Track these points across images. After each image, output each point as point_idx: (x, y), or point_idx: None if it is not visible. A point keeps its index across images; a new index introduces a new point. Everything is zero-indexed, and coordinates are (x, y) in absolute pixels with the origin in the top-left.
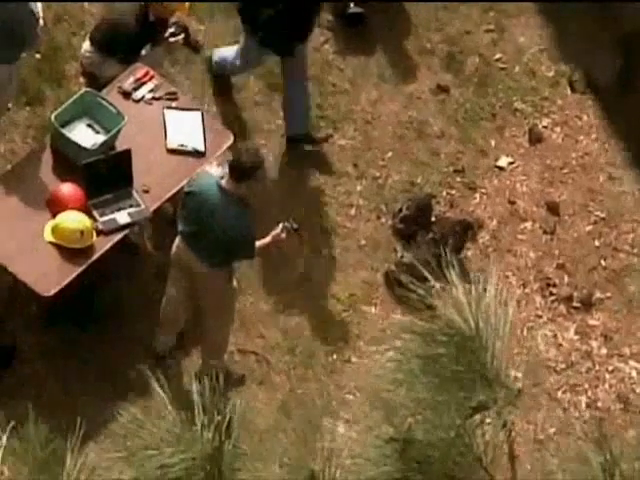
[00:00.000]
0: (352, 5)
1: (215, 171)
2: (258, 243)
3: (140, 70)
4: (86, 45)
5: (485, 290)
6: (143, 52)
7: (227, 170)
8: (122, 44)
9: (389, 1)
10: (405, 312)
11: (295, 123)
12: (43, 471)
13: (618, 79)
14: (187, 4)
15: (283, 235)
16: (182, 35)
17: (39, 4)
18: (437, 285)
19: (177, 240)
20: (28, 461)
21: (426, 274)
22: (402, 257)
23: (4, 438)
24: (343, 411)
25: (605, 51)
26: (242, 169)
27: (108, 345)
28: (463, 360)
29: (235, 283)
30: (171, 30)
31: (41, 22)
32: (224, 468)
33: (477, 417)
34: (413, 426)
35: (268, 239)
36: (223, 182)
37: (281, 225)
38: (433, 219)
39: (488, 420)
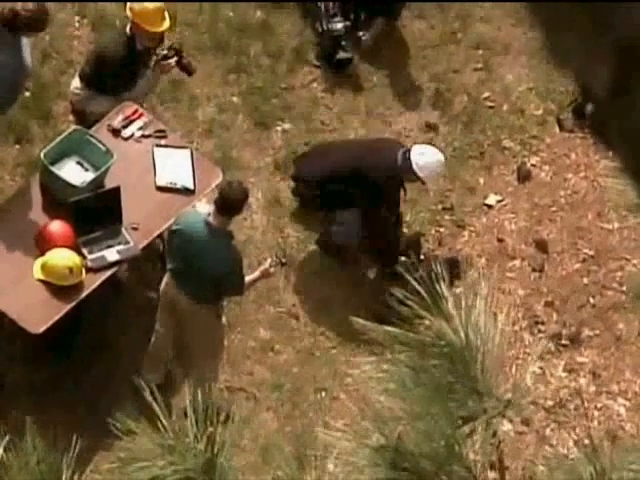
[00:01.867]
0: (341, 52)
1: (203, 208)
2: (247, 278)
3: (129, 108)
4: (75, 82)
5: (475, 302)
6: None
7: (214, 207)
8: (111, 78)
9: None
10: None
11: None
12: None
13: (612, 87)
14: (166, 22)
15: (272, 270)
16: (175, 58)
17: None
18: (428, 299)
19: (166, 277)
20: (24, 475)
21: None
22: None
23: (0, 451)
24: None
25: (599, 59)
26: (228, 204)
27: (93, 380)
28: (453, 371)
29: (224, 320)
30: (164, 52)
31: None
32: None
33: (467, 427)
34: (404, 435)
35: (257, 274)
36: (210, 218)
37: (269, 260)
38: (422, 257)
39: (479, 430)
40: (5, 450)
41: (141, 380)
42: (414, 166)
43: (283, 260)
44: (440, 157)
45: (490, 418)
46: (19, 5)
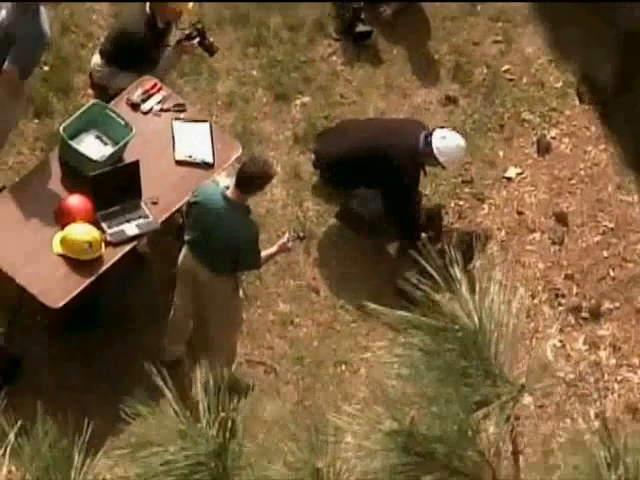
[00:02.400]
0: (360, 25)
1: (222, 181)
2: (264, 253)
3: (148, 82)
4: (96, 59)
5: (489, 286)
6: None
7: (233, 180)
8: (132, 55)
9: (402, 0)
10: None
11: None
12: (51, 471)
13: (615, 80)
14: (190, 4)
15: (290, 244)
16: (197, 38)
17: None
18: (442, 296)
19: (184, 249)
20: (35, 461)
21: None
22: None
23: (11, 437)
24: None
25: (603, 51)
26: (248, 180)
27: (114, 355)
28: (467, 355)
29: (241, 293)
30: (187, 32)
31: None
32: (228, 465)
33: (481, 412)
34: (416, 420)
35: (274, 248)
36: (228, 192)
37: (287, 234)
38: (442, 230)
39: (493, 414)
40: (17, 436)
41: (162, 354)
42: (435, 150)
43: (301, 234)
44: (461, 142)
45: (504, 403)
46: None
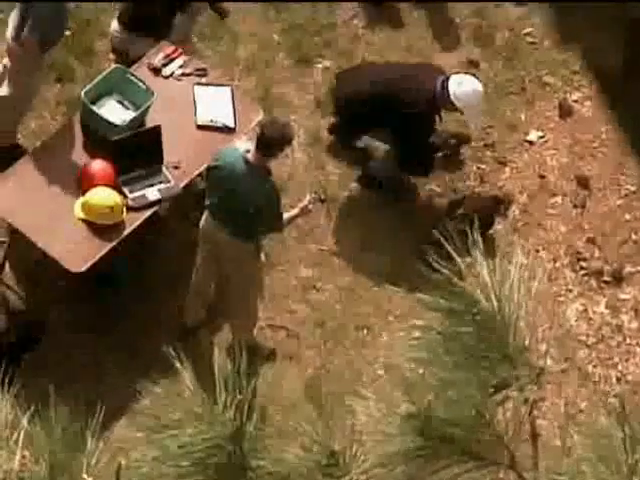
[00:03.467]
0: None
1: (243, 145)
2: (286, 215)
3: (169, 47)
4: (114, 25)
5: (509, 266)
6: (175, 22)
7: (254, 144)
8: (149, 21)
9: None
10: (430, 290)
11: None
12: (65, 454)
13: (623, 65)
14: None
15: (310, 207)
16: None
17: None
18: (462, 264)
19: (205, 214)
20: (49, 445)
21: (452, 252)
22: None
23: (25, 422)
24: (368, 388)
25: (611, 36)
26: (268, 142)
27: (135, 319)
28: (485, 338)
29: (263, 257)
30: None
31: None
32: (245, 448)
33: (499, 395)
34: (434, 403)
35: (296, 211)
36: (249, 155)
37: (308, 196)
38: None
39: (511, 398)
40: (29, 421)
41: (184, 317)
42: (451, 95)
43: (322, 197)
44: (479, 87)
45: (522, 386)
46: None
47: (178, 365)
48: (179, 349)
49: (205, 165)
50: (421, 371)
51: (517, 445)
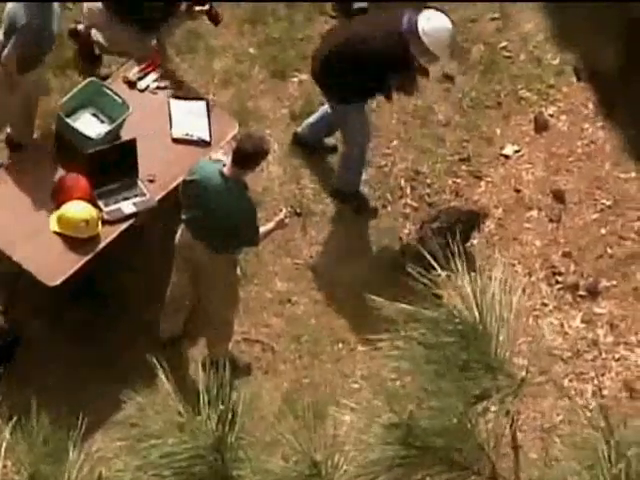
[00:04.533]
0: (357, 2)
1: (219, 158)
2: (262, 229)
3: (145, 60)
4: (93, 4)
5: (490, 279)
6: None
7: (230, 157)
8: (145, 12)
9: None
10: (411, 301)
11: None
12: (46, 465)
13: (621, 66)
14: None
15: (287, 220)
16: (207, 6)
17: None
18: (443, 274)
19: (181, 228)
20: (30, 455)
21: (432, 263)
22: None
23: (6, 433)
24: (347, 399)
25: (608, 37)
26: (245, 156)
27: (112, 331)
28: (467, 348)
29: (239, 271)
30: None
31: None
32: (227, 458)
33: (480, 405)
34: (416, 413)
35: (272, 225)
36: (225, 169)
37: (284, 210)
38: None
39: (492, 408)
40: (12, 432)
41: (160, 331)
42: (420, 31)
43: (298, 211)
44: (448, 25)
45: (504, 396)
46: None
47: (161, 375)
48: (160, 360)
49: (181, 178)
50: (403, 381)
51: (499, 455)
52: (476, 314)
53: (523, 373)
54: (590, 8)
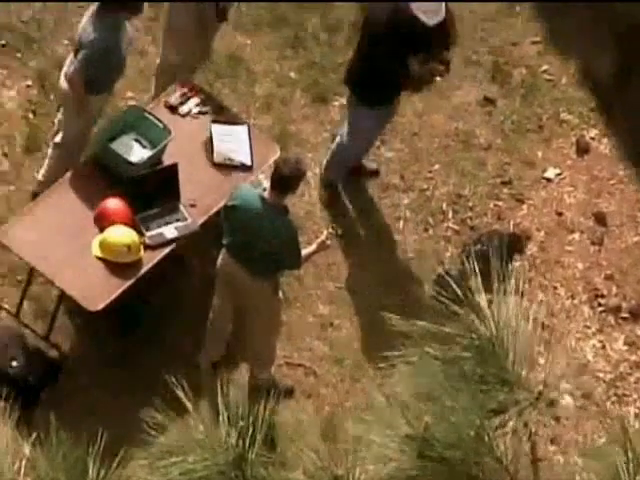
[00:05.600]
0: None
1: (260, 183)
2: (304, 252)
3: (186, 85)
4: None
5: (506, 294)
6: None
7: (269, 182)
8: None
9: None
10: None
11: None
12: None
13: (616, 74)
14: None
15: (328, 242)
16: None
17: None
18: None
19: (222, 253)
20: (50, 472)
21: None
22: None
23: (26, 450)
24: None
25: (603, 46)
26: (283, 180)
27: (153, 356)
28: (483, 363)
29: (280, 294)
30: None
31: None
32: (248, 475)
33: (497, 419)
34: (432, 426)
35: (313, 247)
36: (265, 194)
37: (325, 232)
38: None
39: (510, 423)
40: (33, 446)
41: (199, 358)
42: None
43: (339, 232)
44: None
45: (521, 409)
46: None
47: (179, 393)
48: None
49: (222, 203)
50: (421, 396)
51: (517, 469)
52: (492, 328)
53: (540, 387)
54: (589, 15)
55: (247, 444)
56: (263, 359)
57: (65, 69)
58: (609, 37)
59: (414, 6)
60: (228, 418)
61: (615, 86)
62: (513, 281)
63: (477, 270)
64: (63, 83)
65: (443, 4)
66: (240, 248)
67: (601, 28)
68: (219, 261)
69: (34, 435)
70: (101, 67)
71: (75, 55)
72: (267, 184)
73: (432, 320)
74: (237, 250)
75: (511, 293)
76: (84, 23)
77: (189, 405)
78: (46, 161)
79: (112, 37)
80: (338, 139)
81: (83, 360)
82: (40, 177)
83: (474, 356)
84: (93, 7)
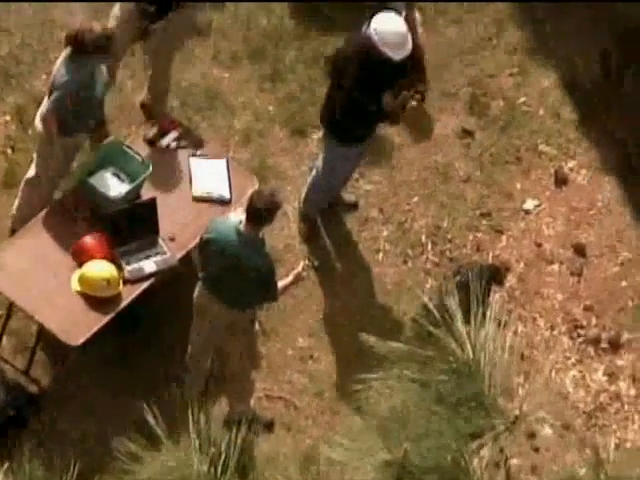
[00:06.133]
0: None
1: (236, 216)
2: (280, 284)
3: (165, 119)
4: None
5: (483, 319)
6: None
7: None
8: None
9: None
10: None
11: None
12: None
13: (608, 76)
14: None
15: (304, 274)
16: None
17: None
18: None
19: (198, 286)
20: None
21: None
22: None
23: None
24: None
25: (591, 52)
26: (258, 213)
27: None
28: (461, 387)
29: (257, 326)
30: None
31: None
32: None
33: (474, 443)
34: (410, 451)
35: (290, 278)
36: (241, 226)
37: (302, 263)
38: (461, 264)
39: (486, 448)
40: (5, 475)
41: (186, 390)
42: (371, 30)
43: (316, 263)
44: (398, 26)
45: (497, 434)
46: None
47: (151, 420)
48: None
49: None
50: (397, 419)
51: None
52: (469, 352)
53: (517, 412)
54: (575, 20)
55: (219, 472)
56: (242, 391)
57: (41, 108)
58: (595, 48)
59: (379, 42)
60: (200, 446)
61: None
62: (491, 310)
63: (456, 299)
64: (38, 123)
65: (409, 38)
66: (216, 281)
67: (596, 30)
68: (195, 294)
69: (6, 465)
70: (73, 109)
71: (49, 96)
72: (242, 216)
73: (410, 343)
74: (213, 283)
75: (490, 320)
76: (58, 64)
77: (161, 433)
78: (19, 195)
79: (85, 80)
80: (314, 173)
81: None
82: (13, 211)
83: (451, 380)
84: (68, 50)
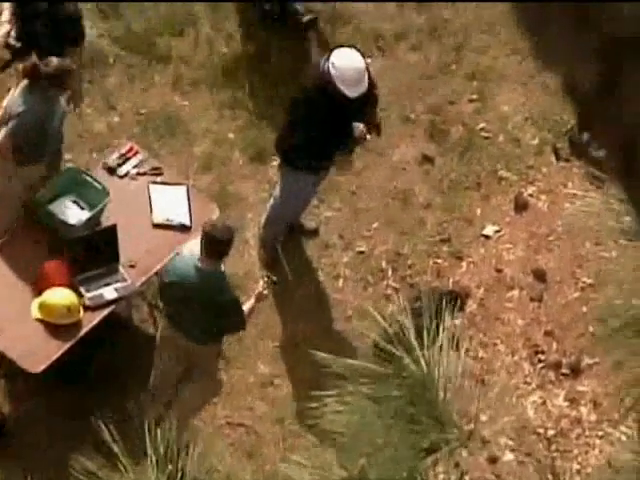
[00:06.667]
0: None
1: (190, 251)
2: (245, 308)
3: (125, 146)
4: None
5: (437, 333)
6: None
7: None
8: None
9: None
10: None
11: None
12: None
13: (599, 85)
14: None
15: (265, 292)
16: None
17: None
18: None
19: (163, 322)
20: None
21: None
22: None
23: None
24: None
25: (585, 56)
26: (213, 246)
27: (101, 405)
28: (415, 402)
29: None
30: None
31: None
32: None
33: (430, 458)
34: (366, 468)
35: (252, 300)
36: (199, 263)
37: (261, 282)
38: (421, 290)
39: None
40: None
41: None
42: (329, 64)
43: (274, 279)
44: (356, 62)
45: (453, 449)
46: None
47: (107, 437)
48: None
49: (162, 264)
50: (353, 435)
51: None
52: (424, 367)
53: (471, 425)
54: (563, 27)
55: None
56: (201, 419)
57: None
58: (595, 46)
59: (336, 78)
60: (157, 462)
61: (599, 101)
62: (443, 324)
63: (409, 316)
64: None
65: (365, 75)
66: (182, 319)
67: (584, 37)
68: (160, 328)
69: None
70: (28, 140)
71: (4, 125)
72: (197, 248)
73: (366, 361)
74: (179, 321)
75: (444, 335)
76: (15, 94)
77: (117, 449)
78: None
79: (41, 111)
80: (272, 201)
81: (30, 412)
82: None
83: (406, 395)
84: (24, 81)
